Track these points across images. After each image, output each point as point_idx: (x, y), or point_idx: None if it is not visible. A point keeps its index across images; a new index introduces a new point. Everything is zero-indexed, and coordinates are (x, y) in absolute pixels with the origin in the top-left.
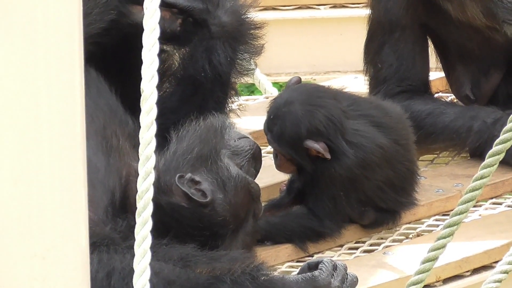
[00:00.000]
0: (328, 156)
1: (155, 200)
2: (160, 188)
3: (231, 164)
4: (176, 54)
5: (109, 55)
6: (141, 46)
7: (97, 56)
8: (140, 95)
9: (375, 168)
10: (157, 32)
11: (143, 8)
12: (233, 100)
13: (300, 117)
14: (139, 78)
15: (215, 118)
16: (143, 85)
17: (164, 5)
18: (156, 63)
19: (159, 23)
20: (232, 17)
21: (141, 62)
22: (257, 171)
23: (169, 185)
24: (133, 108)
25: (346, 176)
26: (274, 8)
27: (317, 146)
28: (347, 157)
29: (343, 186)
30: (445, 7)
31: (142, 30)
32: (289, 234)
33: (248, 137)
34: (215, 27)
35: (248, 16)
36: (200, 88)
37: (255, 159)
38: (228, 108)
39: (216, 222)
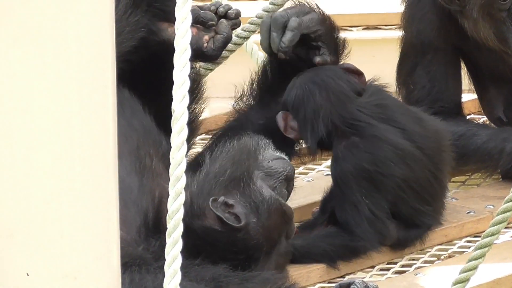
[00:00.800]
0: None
1: (188, 224)
2: (193, 212)
3: (264, 186)
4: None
5: (138, 73)
6: (170, 64)
7: (127, 74)
8: (170, 113)
9: (389, 164)
10: (188, 53)
11: (170, 25)
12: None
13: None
14: (168, 96)
15: (249, 138)
16: (174, 106)
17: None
18: (187, 84)
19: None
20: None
21: (170, 80)
22: (289, 192)
23: (202, 209)
24: (165, 127)
25: (359, 174)
26: None
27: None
28: (355, 151)
29: (360, 186)
30: (463, 25)
31: (170, 47)
32: (317, 255)
33: (282, 158)
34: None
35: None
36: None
37: (288, 180)
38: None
39: (250, 245)
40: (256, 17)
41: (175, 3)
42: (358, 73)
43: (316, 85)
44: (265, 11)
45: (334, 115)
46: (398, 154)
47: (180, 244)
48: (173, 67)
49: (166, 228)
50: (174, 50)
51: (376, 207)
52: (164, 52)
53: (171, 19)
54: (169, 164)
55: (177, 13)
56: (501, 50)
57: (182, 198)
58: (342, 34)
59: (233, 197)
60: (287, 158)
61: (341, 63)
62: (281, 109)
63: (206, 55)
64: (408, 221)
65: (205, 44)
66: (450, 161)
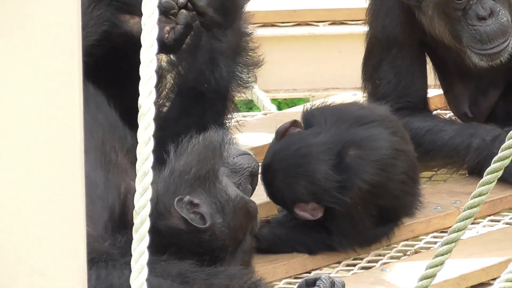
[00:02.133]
0: (318, 215)
1: (153, 223)
2: (159, 211)
3: (229, 184)
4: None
5: (102, 66)
6: (133, 56)
7: (91, 69)
8: (135, 108)
9: (394, 164)
10: (155, 48)
11: (132, 17)
12: (232, 112)
13: (283, 189)
14: (133, 90)
15: (214, 133)
16: (141, 101)
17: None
18: (153, 79)
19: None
20: (237, 33)
21: (134, 73)
22: (254, 188)
23: (167, 208)
24: (131, 121)
25: (366, 187)
26: (273, 25)
27: (305, 214)
28: (362, 170)
29: (361, 198)
30: (420, 20)
31: (133, 39)
32: (298, 244)
33: (247, 154)
34: (217, 42)
35: (247, 30)
36: (200, 100)
37: (253, 176)
38: (227, 121)
39: (216, 245)
40: None
41: None
42: (296, 125)
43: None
44: None
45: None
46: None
47: (147, 240)
48: (136, 59)
49: (133, 224)
50: (136, 42)
51: (368, 218)
52: (127, 44)
53: (133, 11)
54: (134, 159)
55: (144, 8)
56: (456, 48)
57: (149, 193)
58: (309, 29)
59: (198, 196)
60: (251, 154)
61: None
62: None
63: (167, 46)
64: (379, 218)
65: (166, 35)
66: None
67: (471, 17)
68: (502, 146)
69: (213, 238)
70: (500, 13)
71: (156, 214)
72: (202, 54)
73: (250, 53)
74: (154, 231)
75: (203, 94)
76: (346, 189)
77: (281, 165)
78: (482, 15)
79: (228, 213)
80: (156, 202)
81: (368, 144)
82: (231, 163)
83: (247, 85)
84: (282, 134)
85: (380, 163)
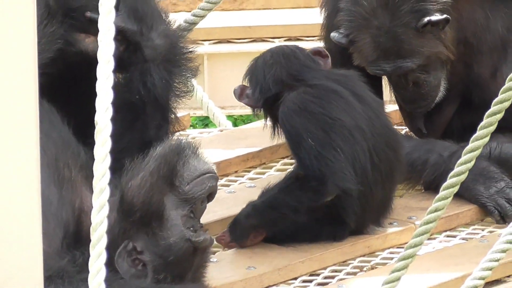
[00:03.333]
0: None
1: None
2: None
3: (176, 223)
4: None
5: (56, 84)
6: (88, 74)
7: (46, 87)
8: (90, 125)
9: (337, 109)
10: (111, 64)
11: (87, 36)
12: (174, 124)
13: None
14: (88, 107)
15: (169, 153)
16: (98, 117)
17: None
18: (110, 95)
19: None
20: (166, 40)
21: (89, 91)
22: (210, 201)
23: (112, 256)
24: (86, 138)
25: (304, 114)
26: (228, 41)
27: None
28: (302, 94)
29: (305, 126)
30: None
31: (88, 57)
32: (283, 207)
33: (205, 173)
34: (148, 50)
35: (181, 39)
36: (139, 113)
37: (209, 194)
38: (169, 132)
39: (161, 280)
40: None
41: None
42: (323, 55)
43: (271, 52)
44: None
45: (283, 73)
46: (349, 107)
47: (104, 256)
48: (92, 77)
49: (89, 240)
50: (92, 60)
51: (322, 146)
52: (82, 63)
53: (88, 30)
54: (88, 175)
55: (100, 25)
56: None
57: (105, 210)
58: (265, 45)
59: (142, 240)
60: (212, 166)
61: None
62: None
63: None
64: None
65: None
66: (400, 170)
67: (392, 85)
68: (458, 162)
69: (157, 279)
70: (424, 84)
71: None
72: (134, 66)
73: (185, 61)
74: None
75: (143, 108)
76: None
77: None
78: (401, 86)
79: (173, 257)
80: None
81: (322, 87)
82: (182, 192)
83: (185, 94)
84: (240, 94)
85: (324, 100)
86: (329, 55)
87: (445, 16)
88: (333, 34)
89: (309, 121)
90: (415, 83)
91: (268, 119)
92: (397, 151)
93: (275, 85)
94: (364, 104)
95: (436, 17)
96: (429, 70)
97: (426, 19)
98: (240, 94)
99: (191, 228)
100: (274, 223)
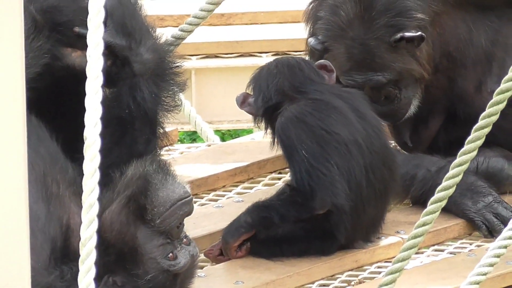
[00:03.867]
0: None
1: None
2: None
3: (153, 256)
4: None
5: (44, 99)
6: (75, 89)
7: (33, 102)
8: (78, 140)
9: (335, 124)
10: (100, 79)
11: (74, 50)
12: (162, 138)
13: None
14: (75, 122)
15: (141, 178)
16: (87, 133)
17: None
18: (99, 111)
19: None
20: (154, 54)
21: (77, 106)
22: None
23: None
24: (74, 153)
25: (299, 125)
26: (216, 56)
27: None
28: (301, 106)
29: (300, 138)
30: None
31: (75, 72)
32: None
33: (179, 200)
34: (137, 64)
35: (169, 53)
36: (128, 128)
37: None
38: (158, 148)
39: None
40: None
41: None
42: (328, 70)
43: (276, 62)
44: (204, 10)
45: (285, 84)
46: (347, 123)
47: (93, 272)
48: (80, 92)
49: (77, 255)
50: (79, 75)
51: (315, 160)
52: (69, 77)
53: (75, 44)
54: (76, 191)
55: (89, 40)
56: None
57: (95, 225)
58: (252, 60)
59: (122, 275)
60: (183, 189)
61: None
62: None
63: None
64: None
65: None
66: (394, 189)
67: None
68: (446, 176)
69: None
70: (395, 99)
71: None
72: (123, 80)
73: (173, 75)
74: None
75: (132, 122)
76: None
77: None
78: (374, 99)
79: (152, 285)
80: None
81: (322, 101)
82: (155, 225)
83: (173, 108)
84: (242, 101)
85: (322, 114)
86: (333, 70)
87: (419, 33)
88: (310, 39)
89: (305, 133)
90: (386, 97)
91: (268, 129)
92: (393, 170)
93: (276, 94)
94: (364, 121)
95: (411, 33)
96: (401, 86)
97: (400, 34)
98: (242, 101)
99: (169, 255)
100: (264, 225)
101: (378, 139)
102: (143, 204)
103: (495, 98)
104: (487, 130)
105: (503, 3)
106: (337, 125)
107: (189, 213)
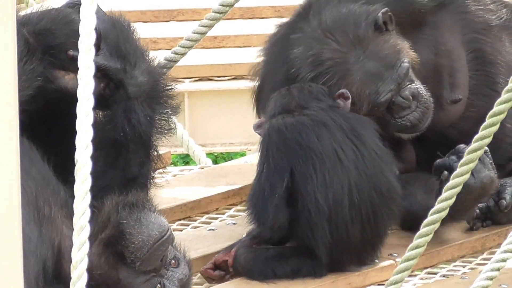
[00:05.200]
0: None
1: None
2: None
3: None
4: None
5: (36, 121)
6: (68, 111)
7: (26, 124)
8: (70, 162)
9: (313, 139)
10: (91, 102)
11: (67, 73)
12: (156, 162)
13: None
14: (67, 145)
15: (112, 231)
16: (78, 155)
17: None
18: (90, 133)
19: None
20: (149, 77)
21: (69, 128)
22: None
23: None
24: (66, 176)
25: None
26: (209, 79)
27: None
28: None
29: (266, 150)
30: None
31: (67, 95)
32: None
33: (155, 244)
34: (132, 87)
35: (163, 76)
36: (122, 150)
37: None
38: (151, 170)
39: None
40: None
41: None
42: (345, 97)
43: (288, 86)
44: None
45: (292, 103)
46: (333, 141)
47: None
48: (71, 115)
49: (68, 278)
50: (71, 97)
51: (269, 176)
52: (62, 100)
53: (67, 67)
54: (68, 213)
55: (80, 63)
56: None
57: (86, 248)
58: (244, 83)
59: None
60: (160, 227)
61: None
62: None
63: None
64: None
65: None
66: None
67: (397, 111)
68: (439, 198)
69: None
70: (420, 93)
71: None
72: (117, 103)
73: (167, 98)
74: None
75: (126, 145)
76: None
77: None
78: (406, 105)
79: None
80: None
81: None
82: (136, 267)
83: (167, 131)
84: (258, 125)
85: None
86: (350, 96)
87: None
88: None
89: (275, 146)
90: (413, 95)
91: None
92: (387, 198)
93: (282, 112)
94: (360, 142)
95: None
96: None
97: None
98: (258, 126)
99: (157, 287)
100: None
101: (372, 162)
102: (120, 250)
103: (488, 121)
104: (480, 153)
105: (429, 13)
106: (316, 141)
107: (169, 246)
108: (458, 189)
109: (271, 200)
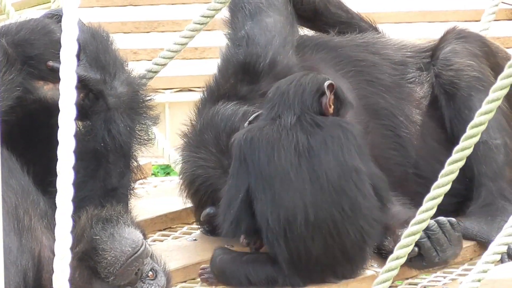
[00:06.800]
0: None
1: None
2: None
3: None
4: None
5: (15, 132)
6: (47, 122)
7: (5, 134)
8: (49, 173)
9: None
10: (73, 113)
11: (46, 83)
12: (136, 172)
13: None
14: (47, 155)
15: (86, 247)
16: (59, 166)
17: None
18: (72, 144)
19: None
20: (128, 88)
21: (49, 139)
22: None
23: None
24: (43, 185)
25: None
26: (190, 90)
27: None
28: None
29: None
30: None
31: (47, 105)
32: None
33: (128, 260)
34: (111, 98)
35: (143, 86)
36: (102, 161)
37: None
38: (132, 180)
39: None
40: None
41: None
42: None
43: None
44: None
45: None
46: (283, 160)
47: None
48: (52, 125)
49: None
50: (51, 107)
51: (230, 189)
52: (41, 110)
53: (46, 78)
54: (48, 223)
55: (62, 74)
56: None
57: (68, 258)
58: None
59: None
60: (133, 243)
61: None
62: None
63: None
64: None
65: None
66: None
67: None
68: (420, 210)
69: None
70: None
71: None
72: (97, 113)
73: (147, 109)
74: None
75: (106, 155)
76: None
77: None
78: None
79: None
80: None
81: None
82: (110, 282)
83: (147, 142)
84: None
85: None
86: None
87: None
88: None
89: (238, 159)
90: None
91: None
92: (350, 215)
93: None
94: (316, 164)
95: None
96: None
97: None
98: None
99: None
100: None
101: (331, 181)
102: (94, 265)
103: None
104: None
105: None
106: (266, 162)
107: (143, 261)
108: (439, 200)
109: (229, 213)
